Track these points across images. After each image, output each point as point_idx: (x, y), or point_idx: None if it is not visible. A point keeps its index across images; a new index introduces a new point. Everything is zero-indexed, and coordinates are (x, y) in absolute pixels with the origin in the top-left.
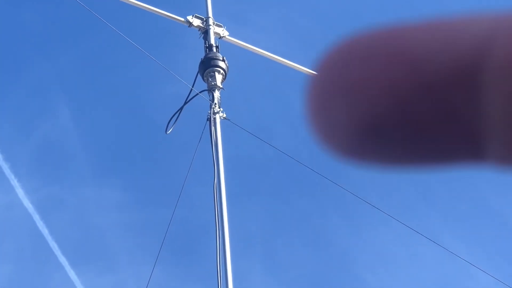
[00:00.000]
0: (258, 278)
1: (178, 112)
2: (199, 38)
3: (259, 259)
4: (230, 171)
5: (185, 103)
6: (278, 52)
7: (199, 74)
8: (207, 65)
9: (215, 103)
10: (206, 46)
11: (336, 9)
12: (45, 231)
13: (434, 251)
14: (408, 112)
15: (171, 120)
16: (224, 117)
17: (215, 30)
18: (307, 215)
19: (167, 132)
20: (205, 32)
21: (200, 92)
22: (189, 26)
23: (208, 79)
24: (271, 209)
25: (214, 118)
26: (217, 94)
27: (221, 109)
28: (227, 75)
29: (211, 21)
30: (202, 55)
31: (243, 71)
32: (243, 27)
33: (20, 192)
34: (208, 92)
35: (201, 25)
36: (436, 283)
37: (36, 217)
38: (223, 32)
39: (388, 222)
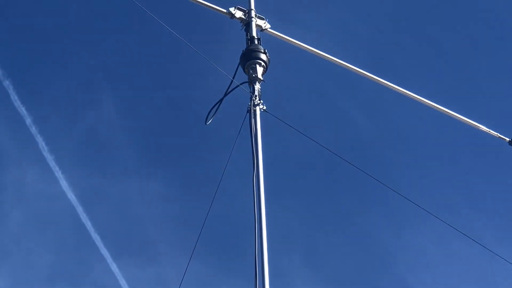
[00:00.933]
0: (298, 274)
1: (218, 103)
2: (241, 30)
3: (299, 255)
4: (270, 165)
5: (226, 94)
6: (321, 48)
7: (240, 66)
8: (248, 57)
9: (256, 95)
10: (247, 38)
11: (383, 9)
12: (88, 223)
13: (476, 251)
14: None
15: (211, 111)
16: (264, 110)
17: (257, 23)
18: (348, 213)
19: (207, 123)
20: (247, 24)
21: (240, 84)
22: (231, 18)
23: (249, 71)
24: (312, 206)
25: (254, 110)
26: (257, 86)
27: (262, 101)
28: (268, 68)
29: (253, 13)
30: (244, 47)
31: (285, 65)
32: (286, 22)
33: (64, 184)
34: (249, 84)
35: (243, 17)
36: (477, 284)
37: (80, 209)
38: (265, 24)
39: (430, 221)
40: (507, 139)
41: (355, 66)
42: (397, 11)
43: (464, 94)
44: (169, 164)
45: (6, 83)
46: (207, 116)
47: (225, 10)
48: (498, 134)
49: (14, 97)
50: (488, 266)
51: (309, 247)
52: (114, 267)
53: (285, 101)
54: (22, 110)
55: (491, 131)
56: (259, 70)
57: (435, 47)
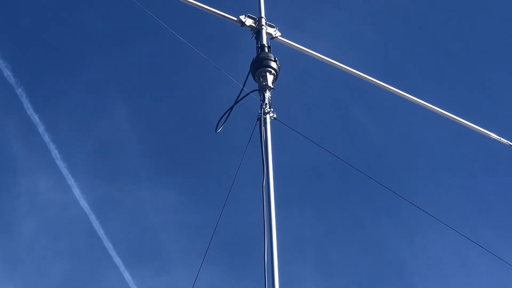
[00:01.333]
0: (310, 281)
1: (229, 111)
2: (251, 38)
3: (311, 263)
4: (280, 173)
5: (236, 102)
6: (332, 56)
7: (250, 74)
8: (259, 65)
9: (266, 103)
10: (258, 46)
11: (394, 17)
12: (100, 231)
13: (487, 260)
14: None
15: (221, 119)
16: (274, 118)
17: (267, 31)
18: (360, 221)
19: (217, 131)
20: (257, 32)
21: (251, 92)
22: (241, 26)
23: (259, 79)
24: (324, 213)
25: (265, 118)
26: (268, 94)
27: (272, 109)
28: (278, 76)
29: (263, 21)
30: (254, 55)
31: (295, 73)
32: (296, 30)
33: (76, 191)
34: (259, 92)
35: (253, 25)
36: None
37: (92, 217)
38: (275, 32)
39: (441, 230)
40: None
41: (366, 74)
42: (409, 20)
43: (475, 102)
44: (181, 172)
45: (19, 91)
46: (218, 124)
47: (235, 18)
48: (509, 142)
49: (27, 105)
50: (500, 275)
51: (320, 254)
52: (126, 275)
53: (296, 109)
54: (35, 118)
55: (502, 139)
56: (269, 78)
57: (447, 55)
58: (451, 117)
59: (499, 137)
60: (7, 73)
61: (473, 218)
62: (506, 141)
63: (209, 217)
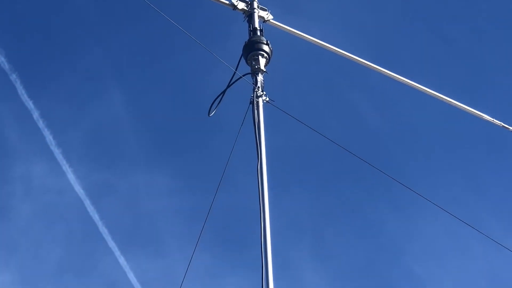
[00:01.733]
0: (306, 265)
1: (221, 95)
2: (243, 21)
3: (308, 247)
4: (274, 156)
5: (228, 86)
6: (325, 39)
7: (242, 58)
8: (251, 48)
9: (258, 87)
10: (250, 30)
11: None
12: (95, 216)
13: (484, 243)
14: None
15: (214, 103)
16: (267, 101)
17: (259, 14)
18: (356, 205)
19: (210, 115)
20: (250, 15)
21: (243, 75)
22: (233, 9)
23: (251, 62)
24: (319, 197)
25: (257, 102)
26: (260, 77)
27: (264, 92)
28: (271, 59)
29: (255, 4)
30: (246, 38)
31: (288, 56)
32: (289, 13)
33: (71, 177)
34: (252, 76)
35: (245, 8)
36: (485, 276)
37: (87, 202)
38: (267, 15)
39: (438, 214)
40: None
41: (360, 57)
42: (403, 2)
43: (468, 84)
44: (175, 157)
45: (13, 76)
46: (210, 108)
47: (227, 2)
48: (502, 123)
49: (21, 91)
50: (495, 258)
51: (316, 238)
52: (122, 259)
53: (289, 92)
54: (30, 104)
55: (495, 120)
56: (262, 61)
57: (441, 38)
58: (445, 99)
59: (492, 119)
60: (1, 59)
61: (469, 201)
62: (499, 123)
63: (204, 201)
